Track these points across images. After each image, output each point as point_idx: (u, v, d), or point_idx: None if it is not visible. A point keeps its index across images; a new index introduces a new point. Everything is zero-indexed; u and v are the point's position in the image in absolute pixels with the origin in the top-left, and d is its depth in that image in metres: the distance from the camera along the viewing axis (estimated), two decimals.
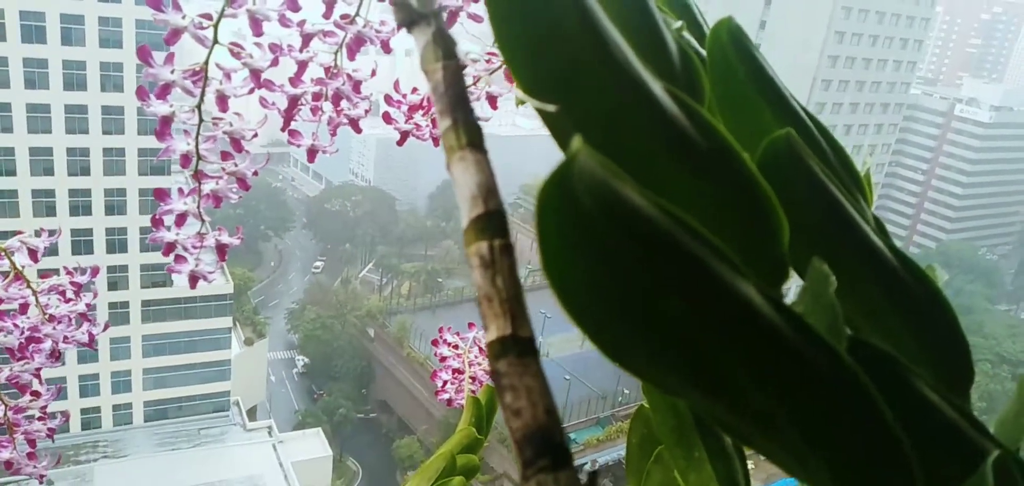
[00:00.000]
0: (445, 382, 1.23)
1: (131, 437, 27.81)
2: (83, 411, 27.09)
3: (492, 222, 0.24)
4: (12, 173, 24.04)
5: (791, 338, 0.22)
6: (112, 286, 26.25)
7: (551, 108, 0.24)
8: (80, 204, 25.34)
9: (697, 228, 0.21)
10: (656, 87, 0.26)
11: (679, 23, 0.37)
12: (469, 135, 0.26)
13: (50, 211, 24.44)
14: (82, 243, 24.94)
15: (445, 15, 0.69)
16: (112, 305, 26.05)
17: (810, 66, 40.12)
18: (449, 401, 1.25)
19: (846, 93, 42.78)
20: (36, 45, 23.37)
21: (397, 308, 40.46)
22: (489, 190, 0.25)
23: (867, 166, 0.50)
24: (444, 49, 0.29)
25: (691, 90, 0.32)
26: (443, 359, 1.22)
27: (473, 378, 1.17)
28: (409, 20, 0.31)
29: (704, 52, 0.40)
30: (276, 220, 44.89)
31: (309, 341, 37.50)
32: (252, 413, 31.07)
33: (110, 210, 25.72)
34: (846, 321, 0.36)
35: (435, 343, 1.21)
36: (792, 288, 0.36)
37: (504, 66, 0.80)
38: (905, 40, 44.34)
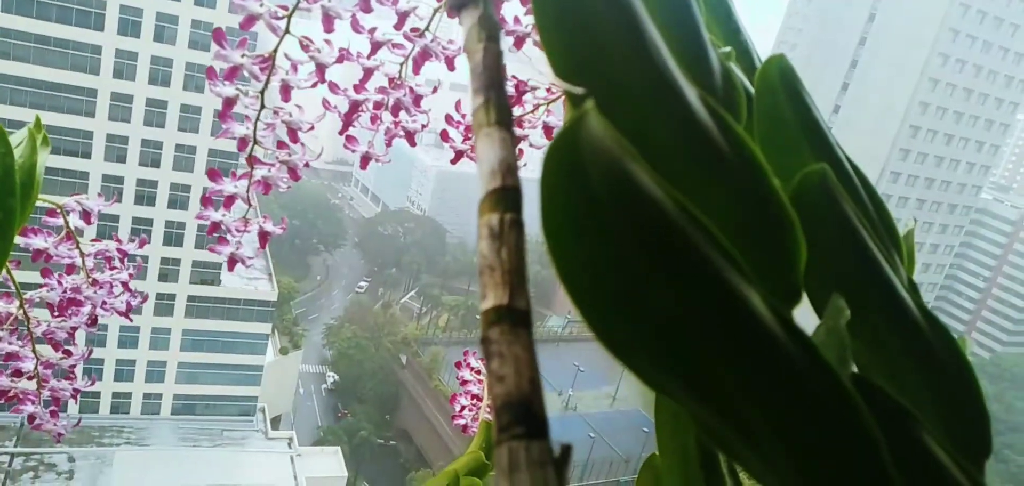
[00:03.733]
0: (463, 407, 1.23)
1: (156, 427, 28.27)
2: (115, 395, 27.71)
3: (507, 196, 0.24)
4: (87, 156, 25.03)
5: (792, 354, 0.22)
6: (163, 278, 26.94)
7: (578, 91, 0.24)
8: (145, 194, 26.21)
9: (708, 225, 0.21)
10: (689, 90, 0.26)
11: (727, 49, 0.37)
12: (499, 114, 0.27)
13: (118, 196, 25.33)
14: (142, 231, 25.64)
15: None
16: (160, 296, 26.71)
17: (881, 156, 39.49)
18: (465, 427, 1.24)
19: (914, 188, 41.89)
20: (130, 38, 24.47)
21: (432, 339, 40.57)
22: (509, 167, 0.25)
23: (910, 228, 0.49)
24: (488, 31, 0.30)
25: (729, 109, 0.32)
26: (464, 383, 1.22)
27: (490, 406, 1.16)
28: (460, 3, 0.32)
29: (752, 89, 0.40)
30: (329, 236, 45.66)
31: (342, 359, 37.76)
32: (276, 422, 31.31)
33: (172, 204, 26.52)
34: (863, 371, 0.35)
35: (459, 366, 1.21)
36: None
37: (562, 97, 0.81)
38: (981, 143, 43.36)
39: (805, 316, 0.36)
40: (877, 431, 0.22)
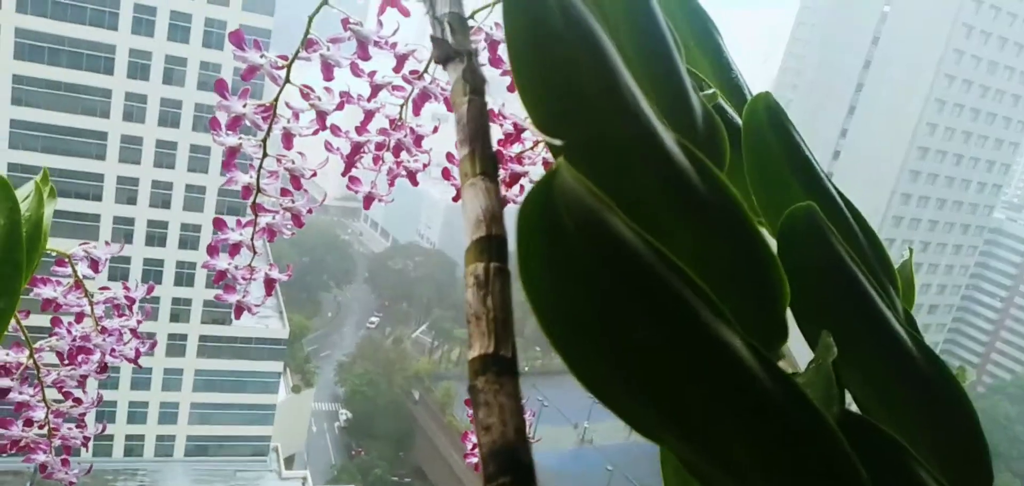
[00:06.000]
0: (474, 445, 1.22)
1: (170, 470, 28.18)
2: (128, 438, 27.69)
3: (491, 246, 0.25)
4: (99, 198, 25.28)
5: (771, 392, 0.22)
6: (174, 318, 27.04)
7: (557, 142, 0.24)
8: (156, 234, 26.41)
9: (681, 267, 0.21)
10: (667, 137, 0.26)
11: (711, 91, 0.38)
12: (483, 165, 0.27)
13: (128, 238, 25.55)
14: (152, 273, 25.87)
15: (479, 53, 0.71)
16: (171, 336, 26.79)
17: (890, 179, 39.38)
18: (477, 466, 1.23)
19: (926, 209, 41.70)
20: (140, 80, 24.83)
21: (445, 373, 40.40)
22: (493, 216, 0.25)
23: (906, 259, 0.49)
24: (473, 85, 0.30)
25: (711, 152, 0.32)
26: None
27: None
28: (445, 56, 0.33)
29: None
30: (340, 272, 45.75)
31: (354, 396, 37.63)
32: (289, 461, 31.15)
33: (183, 244, 26.70)
34: (861, 406, 0.35)
35: (468, 403, 1.20)
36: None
37: None
38: (992, 162, 43.19)
39: (803, 350, 0.36)
40: (859, 467, 0.22)
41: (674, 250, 0.22)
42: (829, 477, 0.23)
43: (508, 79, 0.77)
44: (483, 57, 0.72)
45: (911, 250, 0.51)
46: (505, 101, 0.80)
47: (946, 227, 43.43)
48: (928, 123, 39.79)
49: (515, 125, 0.86)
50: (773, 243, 0.35)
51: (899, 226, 39.55)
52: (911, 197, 40.92)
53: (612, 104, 0.25)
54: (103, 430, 1.04)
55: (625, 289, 0.21)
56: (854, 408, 0.36)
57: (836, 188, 0.43)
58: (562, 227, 0.20)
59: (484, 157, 0.28)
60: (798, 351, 0.37)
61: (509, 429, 0.21)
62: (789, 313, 0.33)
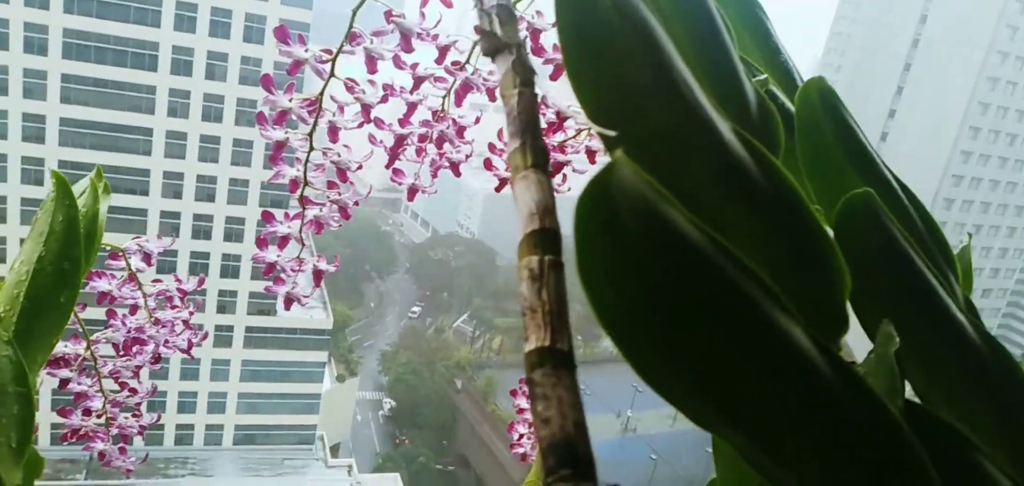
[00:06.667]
0: (521, 435, 1.22)
1: (219, 458, 28.84)
2: (178, 426, 28.42)
3: (545, 238, 0.25)
4: (145, 193, 25.91)
5: (836, 386, 0.21)
6: (221, 310, 27.64)
7: (611, 133, 0.24)
8: (202, 228, 26.99)
9: (742, 259, 0.21)
10: (723, 125, 0.26)
11: (763, 76, 0.37)
12: (535, 157, 0.27)
13: (175, 231, 26.17)
14: (199, 265, 26.45)
15: (528, 45, 0.71)
16: (218, 328, 27.38)
17: (940, 160, 38.36)
18: (523, 456, 1.24)
19: (978, 191, 40.55)
20: (182, 77, 25.36)
21: (486, 362, 40.62)
22: (546, 208, 0.25)
23: (965, 245, 0.47)
24: (522, 77, 0.30)
25: (766, 139, 0.32)
26: (521, 411, 1.22)
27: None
28: (494, 48, 0.33)
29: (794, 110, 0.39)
30: (381, 262, 46.25)
31: (398, 384, 38.05)
32: (335, 450, 31.63)
33: (228, 237, 27.23)
34: (922, 396, 0.34)
35: (514, 393, 1.21)
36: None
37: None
38: None
39: (860, 341, 0.36)
40: (926, 459, 0.22)
41: (733, 240, 0.22)
42: (896, 470, 0.22)
43: (550, 68, 0.77)
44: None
45: (970, 235, 0.50)
46: (547, 92, 0.80)
47: (999, 209, 42.11)
48: (980, 102, 38.61)
49: (558, 113, 0.85)
50: (829, 231, 0.34)
51: (950, 209, 38.51)
52: (962, 179, 39.79)
53: (667, 94, 0.25)
54: (158, 419, 1.06)
55: (684, 282, 0.20)
56: (914, 397, 0.35)
57: (892, 172, 0.42)
58: (621, 221, 0.19)
59: (535, 149, 0.28)
60: (855, 342, 0.36)
61: (568, 422, 0.21)
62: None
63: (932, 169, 37.84)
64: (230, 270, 27.60)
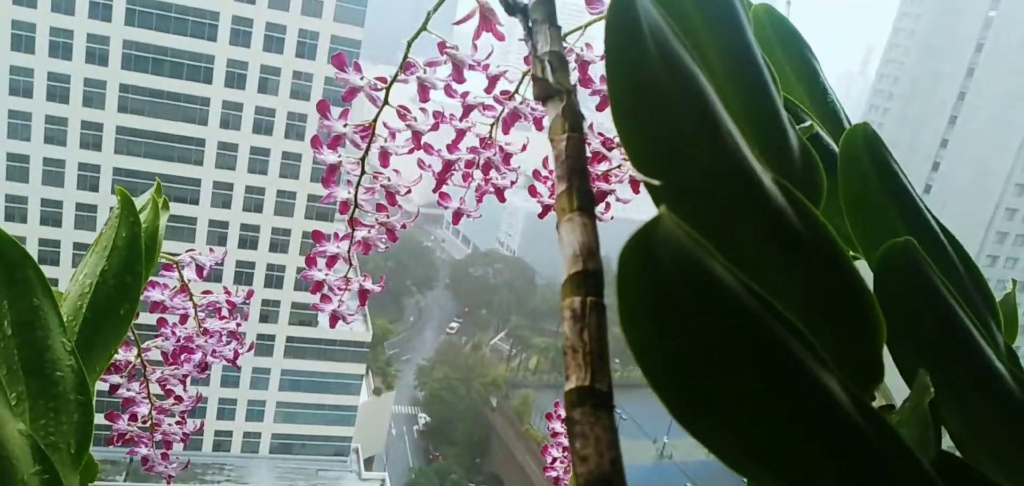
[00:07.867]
0: (554, 459, 1.23)
1: (255, 466, 29.19)
2: (217, 433, 28.87)
3: (588, 280, 0.26)
4: (195, 202, 26.55)
5: (869, 436, 0.22)
6: (264, 319, 28.08)
7: (655, 182, 0.25)
8: (248, 238, 27.53)
9: (781, 312, 0.22)
10: (765, 177, 0.27)
11: (807, 123, 0.38)
12: (581, 200, 0.29)
13: (222, 240, 26.72)
14: (245, 275, 26.96)
15: (576, 74, 0.72)
16: (260, 337, 27.81)
17: (995, 190, 37.31)
18: (556, 480, 1.24)
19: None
20: (236, 89, 25.99)
21: (522, 381, 40.50)
22: (590, 251, 0.27)
23: (1010, 291, 0.47)
24: (571, 122, 0.32)
25: (808, 188, 0.33)
26: (555, 434, 1.22)
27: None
28: (545, 94, 0.34)
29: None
30: (422, 277, 46.56)
31: (433, 400, 38.13)
32: (369, 463, 31.79)
33: (274, 247, 27.71)
34: (959, 445, 0.34)
35: (550, 417, 1.21)
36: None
37: None
38: None
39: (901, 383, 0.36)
40: None
41: (771, 290, 0.23)
42: None
43: (597, 99, 0.78)
44: (573, 76, 0.73)
45: (1014, 282, 0.50)
46: (593, 121, 0.81)
47: None
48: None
49: (604, 142, 0.86)
50: (868, 275, 0.35)
51: (1003, 242, 37.40)
52: (1016, 212, 38.61)
53: (711, 146, 0.26)
54: (200, 427, 1.09)
55: (724, 334, 0.21)
56: (952, 447, 0.36)
57: (935, 218, 0.42)
58: (663, 273, 0.21)
59: (582, 193, 0.29)
60: (894, 383, 0.37)
61: (605, 460, 0.22)
62: (885, 347, 0.33)
63: (986, 199, 36.83)
64: (274, 280, 28.07)
